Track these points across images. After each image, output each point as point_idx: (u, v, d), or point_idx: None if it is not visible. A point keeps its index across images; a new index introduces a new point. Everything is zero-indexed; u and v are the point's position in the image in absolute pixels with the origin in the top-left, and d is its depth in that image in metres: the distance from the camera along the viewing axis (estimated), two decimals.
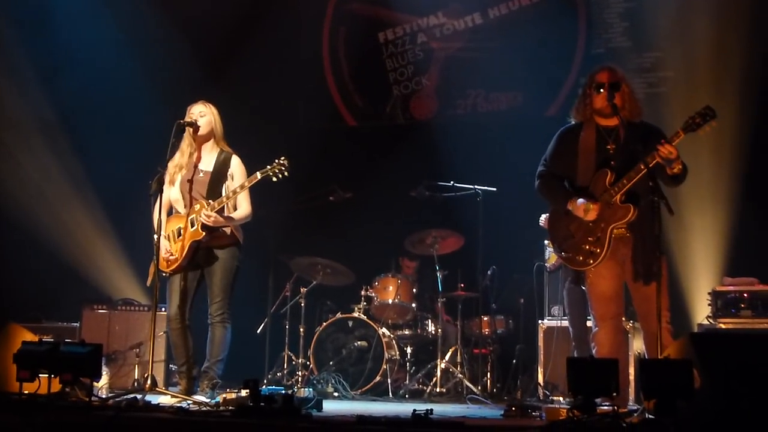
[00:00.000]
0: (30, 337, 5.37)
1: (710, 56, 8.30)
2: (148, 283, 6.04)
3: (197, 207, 5.97)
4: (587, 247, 5.28)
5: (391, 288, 8.36)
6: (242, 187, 5.95)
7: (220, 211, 5.96)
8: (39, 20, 9.24)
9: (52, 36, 9.24)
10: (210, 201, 5.95)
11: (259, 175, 5.90)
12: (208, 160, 6.16)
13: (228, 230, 6.08)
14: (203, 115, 6.12)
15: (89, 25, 9.21)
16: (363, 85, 10.17)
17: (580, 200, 5.29)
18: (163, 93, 8.86)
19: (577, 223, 5.32)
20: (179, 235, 6.02)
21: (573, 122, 5.56)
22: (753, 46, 8.15)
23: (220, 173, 6.10)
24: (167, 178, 6.04)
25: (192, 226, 5.96)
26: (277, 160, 5.90)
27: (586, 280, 5.39)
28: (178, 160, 6.12)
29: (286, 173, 5.89)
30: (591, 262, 5.28)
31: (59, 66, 9.30)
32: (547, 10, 9.36)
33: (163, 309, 7.51)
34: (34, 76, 9.17)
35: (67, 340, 5.58)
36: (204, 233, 5.94)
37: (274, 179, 5.90)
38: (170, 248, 6.01)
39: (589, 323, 6.52)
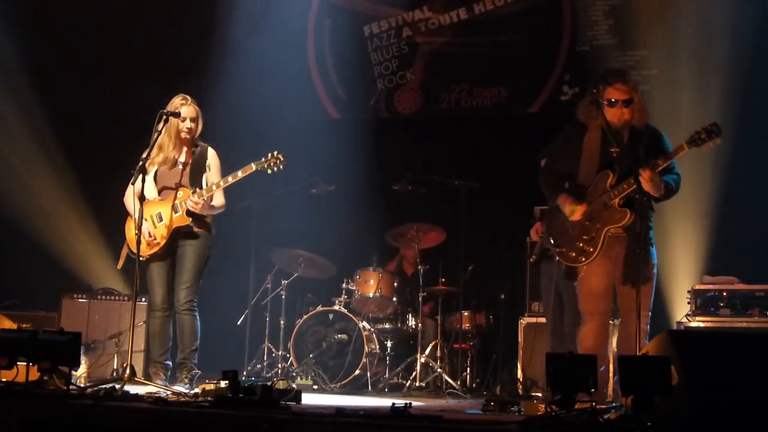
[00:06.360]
0: (9, 324, 5.35)
1: (694, 55, 8.33)
2: (119, 265, 6.26)
3: (181, 194, 6.07)
4: (581, 245, 5.34)
5: (372, 281, 8.34)
6: (235, 176, 6.12)
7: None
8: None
9: (29, 17, 9.22)
10: (198, 189, 6.09)
11: (254, 166, 6.10)
12: (184, 152, 6.27)
13: (208, 218, 6.26)
14: (194, 120, 6.21)
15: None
16: (347, 78, 10.12)
17: (566, 197, 5.33)
18: (145, 80, 8.82)
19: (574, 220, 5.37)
20: (160, 219, 6.13)
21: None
22: (736, 46, 8.17)
23: (198, 164, 6.25)
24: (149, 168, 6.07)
25: (176, 212, 6.06)
26: (272, 154, 6.10)
27: (578, 276, 5.44)
28: (159, 153, 6.18)
29: (281, 167, 6.12)
30: (583, 259, 5.35)
31: (40, 49, 9.24)
32: (533, 7, 9.37)
33: (144, 300, 7.51)
34: (12, 61, 9.10)
35: (46, 329, 5.55)
36: (189, 219, 6.08)
37: (269, 171, 6.12)
38: (153, 232, 6.10)
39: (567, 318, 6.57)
